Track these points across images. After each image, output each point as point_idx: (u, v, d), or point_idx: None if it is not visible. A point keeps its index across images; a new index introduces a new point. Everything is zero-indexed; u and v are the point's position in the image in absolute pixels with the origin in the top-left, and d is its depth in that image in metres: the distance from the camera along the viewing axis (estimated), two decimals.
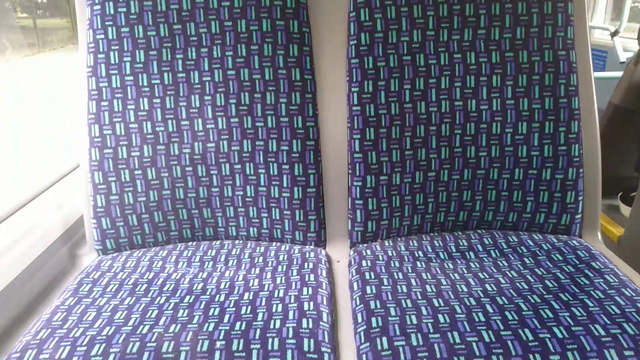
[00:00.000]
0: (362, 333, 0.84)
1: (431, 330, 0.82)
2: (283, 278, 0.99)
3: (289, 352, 0.79)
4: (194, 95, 1.11)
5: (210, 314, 0.88)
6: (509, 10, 1.11)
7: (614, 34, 2.71)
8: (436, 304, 0.88)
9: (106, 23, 1.09)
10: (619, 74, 2.08)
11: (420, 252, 1.07)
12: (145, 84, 1.10)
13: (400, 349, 0.79)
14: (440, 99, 1.12)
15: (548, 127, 1.11)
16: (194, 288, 0.96)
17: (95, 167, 1.10)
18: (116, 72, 1.10)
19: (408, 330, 0.82)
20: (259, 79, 1.11)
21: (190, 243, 1.15)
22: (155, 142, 1.11)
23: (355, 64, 1.12)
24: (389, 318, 0.85)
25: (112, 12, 1.09)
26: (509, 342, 0.78)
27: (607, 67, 2.87)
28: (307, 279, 0.99)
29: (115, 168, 1.10)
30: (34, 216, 1.11)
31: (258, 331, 0.83)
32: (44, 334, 0.83)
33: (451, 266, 1.02)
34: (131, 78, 1.10)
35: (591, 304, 0.86)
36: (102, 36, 1.09)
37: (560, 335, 0.79)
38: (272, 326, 0.84)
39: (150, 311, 0.89)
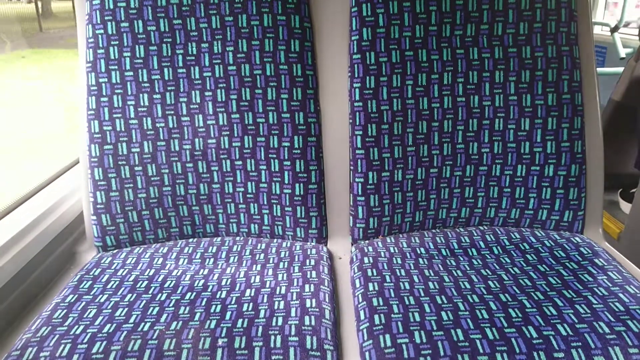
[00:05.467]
0: (365, 330, 0.84)
1: (434, 328, 0.81)
2: (285, 275, 0.99)
3: (291, 350, 0.79)
4: (194, 91, 1.10)
5: (212, 311, 0.87)
6: (512, 6, 1.10)
7: (613, 30, 2.70)
8: (439, 301, 0.88)
9: (105, 18, 1.08)
10: (620, 69, 2.07)
11: (422, 249, 1.07)
12: (145, 79, 1.09)
13: (404, 346, 0.78)
14: (442, 95, 1.11)
15: (551, 123, 1.11)
16: (195, 285, 0.96)
17: (95, 163, 1.09)
18: (116, 67, 1.09)
19: (411, 328, 0.82)
20: (260, 75, 1.10)
21: (190, 240, 1.15)
22: (155, 138, 1.10)
23: (357, 59, 1.11)
24: (392, 315, 0.85)
25: (111, 6, 1.08)
26: (513, 339, 0.78)
27: (606, 63, 2.86)
28: (308, 276, 0.98)
29: (116, 164, 1.09)
30: (33, 212, 1.10)
31: (260, 328, 0.82)
32: (45, 331, 0.83)
33: (454, 263, 1.01)
34: (131, 73, 1.09)
35: (595, 301, 0.86)
36: (102, 31, 1.08)
37: (564, 333, 0.79)
38: (274, 323, 0.84)
39: (152, 308, 0.88)
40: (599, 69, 2.70)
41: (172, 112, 1.10)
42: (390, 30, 1.10)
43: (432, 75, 1.11)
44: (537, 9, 1.10)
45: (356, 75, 1.11)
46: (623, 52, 2.63)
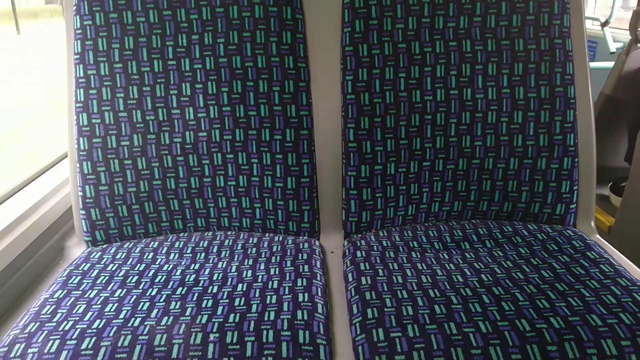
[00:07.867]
0: (357, 324, 0.83)
1: (427, 321, 0.81)
2: (277, 269, 0.98)
3: (284, 344, 0.78)
4: (184, 84, 1.09)
5: (204, 305, 0.86)
6: None
7: (604, 24, 2.71)
8: (432, 295, 0.88)
9: (94, 9, 1.06)
10: (610, 64, 2.08)
11: (415, 243, 1.06)
12: (134, 71, 1.08)
13: (397, 340, 0.78)
14: (435, 88, 1.10)
15: (544, 116, 1.11)
16: (187, 279, 0.95)
17: (84, 156, 1.07)
18: (105, 59, 1.07)
19: (404, 322, 0.81)
20: (252, 67, 1.09)
21: (181, 234, 1.13)
22: (145, 131, 1.09)
23: (350, 51, 1.10)
24: (385, 309, 0.84)
25: None
26: (506, 332, 0.78)
27: (596, 57, 2.87)
28: (301, 270, 0.97)
29: (105, 158, 1.08)
30: (21, 207, 1.08)
31: (252, 323, 0.81)
32: (33, 327, 0.81)
33: (446, 256, 1.01)
34: (120, 65, 1.07)
35: (587, 294, 0.86)
36: (90, 22, 1.06)
37: (557, 326, 0.79)
38: (266, 318, 0.83)
39: (142, 303, 0.87)
40: (590, 64, 2.70)
41: (162, 104, 1.09)
42: (382, 22, 1.09)
43: (425, 68, 1.10)
44: (530, 1, 1.09)
45: (348, 68, 1.10)
46: (613, 46, 2.64)
